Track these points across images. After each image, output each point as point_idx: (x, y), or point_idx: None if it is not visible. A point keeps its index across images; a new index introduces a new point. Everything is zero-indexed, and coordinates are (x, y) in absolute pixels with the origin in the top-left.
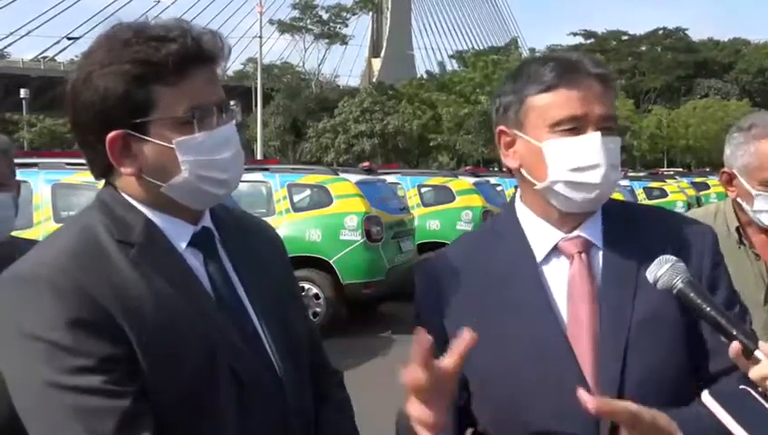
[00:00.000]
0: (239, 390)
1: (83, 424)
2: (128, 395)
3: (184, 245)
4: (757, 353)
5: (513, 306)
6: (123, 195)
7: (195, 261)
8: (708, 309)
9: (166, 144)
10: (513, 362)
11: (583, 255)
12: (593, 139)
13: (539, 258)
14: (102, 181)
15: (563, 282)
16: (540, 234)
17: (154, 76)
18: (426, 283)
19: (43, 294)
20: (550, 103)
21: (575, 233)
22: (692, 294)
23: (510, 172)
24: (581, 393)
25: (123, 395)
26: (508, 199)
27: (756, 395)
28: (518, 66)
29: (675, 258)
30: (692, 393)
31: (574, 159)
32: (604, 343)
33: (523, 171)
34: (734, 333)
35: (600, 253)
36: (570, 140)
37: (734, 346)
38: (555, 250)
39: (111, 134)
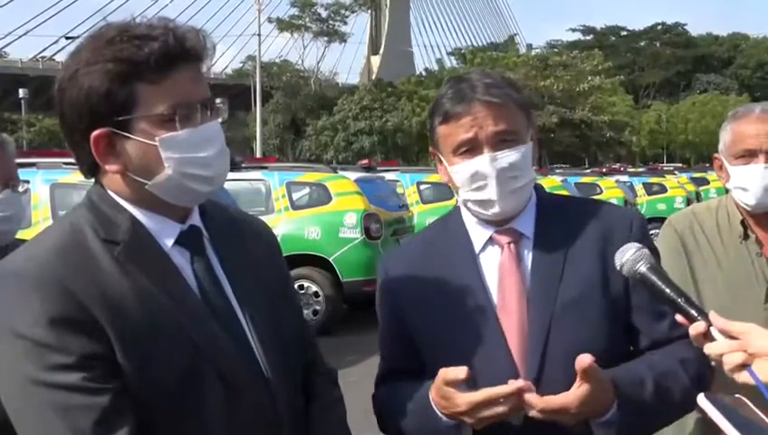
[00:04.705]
0: (224, 390)
1: (63, 420)
2: (107, 392)
3: (170, 243)
4: (712, 331)
5: (454, 289)
6: (110, 193)
7: (181, 260)
8: (668, 291)
9: (149, 141)
10: (452, 336)
11: (512, 245)
12: (482, 160)
13: (477, 248)
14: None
15: (496, 268)
16: (478, 227)
17: (136, 74)
18: (384, 271)
19: (28, 291)
20: (448, 132)
21: (507, 226)
22: (653, 277)
23: None
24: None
25: (102, 392)
26: None
27: (750, 405)
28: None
29: (638, 245)
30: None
31: (471, 180)
32: (530, 322)
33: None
34: (693, 313)
35: (531, 242)
36: (466, 163)
37: (694, 326)
38: (491, 241)
39: (96, 132)
